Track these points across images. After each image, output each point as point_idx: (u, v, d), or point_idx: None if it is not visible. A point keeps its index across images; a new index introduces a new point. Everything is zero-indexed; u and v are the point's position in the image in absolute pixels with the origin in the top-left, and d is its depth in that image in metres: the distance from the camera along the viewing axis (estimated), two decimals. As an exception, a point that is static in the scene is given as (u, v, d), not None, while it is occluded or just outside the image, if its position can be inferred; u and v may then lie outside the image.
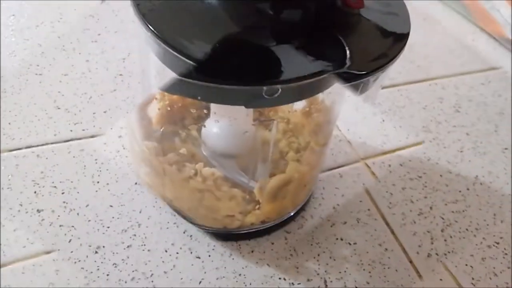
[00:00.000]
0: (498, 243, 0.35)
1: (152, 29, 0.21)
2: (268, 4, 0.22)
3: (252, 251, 0.32)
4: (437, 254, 0.34)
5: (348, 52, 0.22)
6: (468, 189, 0.39)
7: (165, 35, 0.21)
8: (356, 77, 0.22)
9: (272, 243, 0.32)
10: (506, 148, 0.42)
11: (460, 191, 0.38)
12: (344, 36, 0.23)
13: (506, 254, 0.34)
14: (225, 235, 0.32)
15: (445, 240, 0.35)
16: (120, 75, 0.42)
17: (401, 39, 0.24)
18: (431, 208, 0.37)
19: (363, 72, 0.22)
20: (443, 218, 0.36)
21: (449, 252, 0.34)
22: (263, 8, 0.22)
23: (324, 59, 0.22)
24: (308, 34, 0.22)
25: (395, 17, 0.25)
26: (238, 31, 0.22)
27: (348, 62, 0.22)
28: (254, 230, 0.32)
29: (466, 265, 0.33)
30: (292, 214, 0.33)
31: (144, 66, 0.30)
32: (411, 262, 0.33)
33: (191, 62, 0.20)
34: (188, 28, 0.22)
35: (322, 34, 0.23)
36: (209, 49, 0.21)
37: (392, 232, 0.35)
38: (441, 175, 0.39)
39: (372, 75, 0.22)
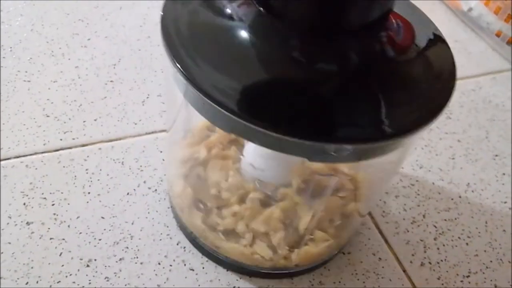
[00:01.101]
0: (490, 250, 0.35)
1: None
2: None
3: (246, 263, 0.31)
4: (430, 263, 0.34)
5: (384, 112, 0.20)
6: (460, 196, 0.39)
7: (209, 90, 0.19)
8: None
9: (266, 254, 0.32)
10: (497, 155, 0.43)
11: (452, 199, 0.38)
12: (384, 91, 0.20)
13: (500, 260, 0.35)
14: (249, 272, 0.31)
15: (438, 249, 0.35)
16: (111, 81, 0.42)
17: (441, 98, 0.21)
18: (424, 216, 0.37)
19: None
20: (435, 226, 0.36)
21: (442, 261, 0.34)
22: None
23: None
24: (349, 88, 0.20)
25: (438, 63, 0.22)
26: (274, 78, 0.20)
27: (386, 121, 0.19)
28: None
29: (458, 274, 0.33)
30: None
31: (170, 100, 0.28)
32: (404, 271, 0.33)
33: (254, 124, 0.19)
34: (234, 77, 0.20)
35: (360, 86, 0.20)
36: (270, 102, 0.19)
37: (386, 241, 0.35)
38: (433, 183, 0.39)
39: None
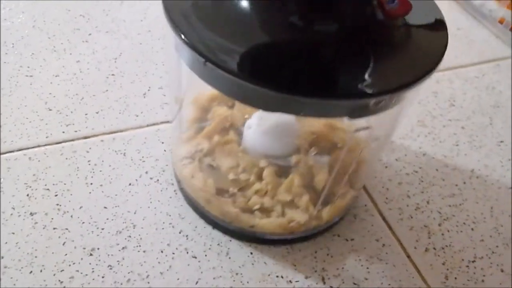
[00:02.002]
0: (496, 236, 0.35)
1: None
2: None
3: (250, 251, 0.31)
4: (434, 248, 0.34)
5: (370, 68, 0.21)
6: (464, 182, 0.38)
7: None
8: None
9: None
10: (501, 141, 0.42)
11: (456, 185, 0.38)
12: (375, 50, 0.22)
13: (506, 245, 0.34)
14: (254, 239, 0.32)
15: (442, 234, 0.34)
16: (112, 75, 0.42)
17: (433, 58, 0.23)
18: (428, 202, 0.36)
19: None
20: (440, 213, 0.36)
21: (446, 246, 0.34)
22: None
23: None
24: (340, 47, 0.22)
25: (432, 32, 0.24)
26: (273, 41, 0.22)
27: (368, 79, 0.21)
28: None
29: (463, 259, 0.33)
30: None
31: (174, 74, 0.29)
32: (409, 257, 0.33)
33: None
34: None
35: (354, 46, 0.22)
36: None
37: (389, 227, 0.34)
38: (437, 169, 0.39)
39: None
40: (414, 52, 0.24)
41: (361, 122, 0.25)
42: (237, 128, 0.29)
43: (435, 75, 0.48)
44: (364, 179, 0.33)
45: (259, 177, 0.30)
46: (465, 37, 0.54)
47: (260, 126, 0.30)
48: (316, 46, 0.22)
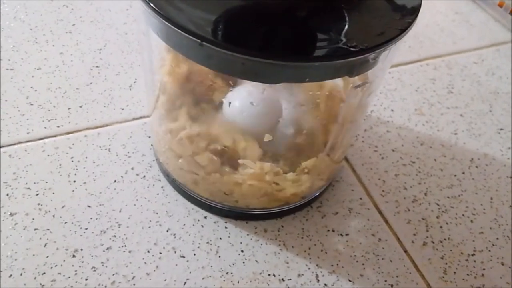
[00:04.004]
0: (497, 227, 0.34)
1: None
2: None
3: (241, 249, 0.30)
4: (432, 242, 0.32)
5: (346, 26, 0.21)
6: (463, 173, 0.37)
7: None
8: (349, 53, 0.21)
9: (259, 239, 0.31)
10: (501, 129, 0.41)
11: (455, 175, 0.37)
12: (350, 9, 0.22)
13: (507, 237, 0.33)
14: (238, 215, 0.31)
15: (441, 227, 0.33)
16: (97, 67, 0.40)
17: (410, 14, 0.23)
18: (425, 194, 0.35)
19: (356, 49, 0.21)
20: (438, 205, 0.35)
21: (445, 240, 0.33)
22: None
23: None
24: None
25: None
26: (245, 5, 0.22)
27: (343, 38, 0.21)
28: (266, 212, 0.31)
29: (462, 253, 0.32)
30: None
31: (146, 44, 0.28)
32: (406, 251, 0.32)
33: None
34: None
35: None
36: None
37: (386, 221, 0.33)
38: (435, 160, 0.38)
39: (370, 53, 0.21)
40: (391, 6, 0.24)
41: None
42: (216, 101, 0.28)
43: (433, 61, 0.47)
44: (345, 145, 0.32)
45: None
46: (464, 22, 0.52)
47: (246, 101, 0.28)
48: (295, 11, 0.23)
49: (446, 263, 0.31)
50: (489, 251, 0.32)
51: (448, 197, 0.35)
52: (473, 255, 0.32)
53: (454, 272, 0.31)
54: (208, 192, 0.30)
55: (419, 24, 0.50)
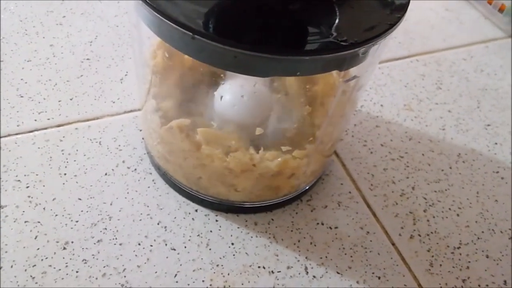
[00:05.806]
0: (482, 221, 0.34)
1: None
2: None
3: (232, 242, 0.30)
4: (419, 235, 0.33)
5: (337, 21, 0.22)
6: (450, 167, 0.38)
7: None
8: (340, 48, 0.21)
9: (250, 232, 0.31)
10: (488, 125, 0.42)
11: (442, 170, 0.37)
12: (340, 4, 0.23)
13: (492, 230, 0.34)
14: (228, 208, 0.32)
15: (427, 221, 0.34)
16: (87, 59, 0.40)
17: (399, 9, 0.23)
18: (413, 188, 0.36)
19: (347, 43, 0.21)
20: (425, 198, 0.35)
21: (432, 233, 0.33)
22: None
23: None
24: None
25: None
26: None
27: (334, 32, 0.21)
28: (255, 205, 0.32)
29: (448, 246, 0.33)
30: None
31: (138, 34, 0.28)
32: (393, 244, 0.32)
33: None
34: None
35: None
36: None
37: (374, 214, 0.34)
38: (423, 154, 0.38)
39: (360, 48, 0.21)
40: (381, 1, 0.25)
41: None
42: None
43: (422, 58, 0.48)
44: (334, 139, 0.33)
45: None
46: (454, 19, 0.53)
47: (237, 94, 0.29)
48: (287, 5, 0.23)
49: (432, 256, 0.32)
50: (475, 244, 0.33)
51: (435, 191, 0.36)
52: (459, 248, 0.33)
53: (440, 265, 0.32)
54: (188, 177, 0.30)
55: (410, 20, 0.51)
